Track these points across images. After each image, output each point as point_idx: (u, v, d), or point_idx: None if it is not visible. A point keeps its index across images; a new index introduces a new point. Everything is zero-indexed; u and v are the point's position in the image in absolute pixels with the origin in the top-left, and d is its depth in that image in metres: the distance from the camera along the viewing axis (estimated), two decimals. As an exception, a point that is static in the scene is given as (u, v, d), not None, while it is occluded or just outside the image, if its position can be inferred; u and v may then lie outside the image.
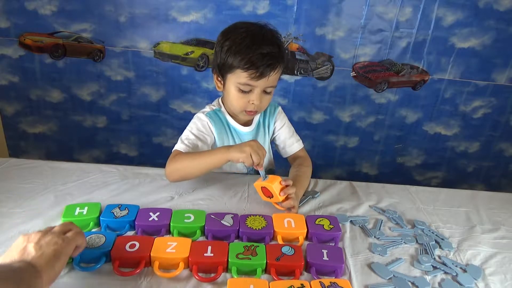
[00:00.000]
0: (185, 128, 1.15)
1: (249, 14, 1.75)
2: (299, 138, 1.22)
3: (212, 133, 1.11)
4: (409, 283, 0.78)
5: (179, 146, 1.06)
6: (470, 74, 1.91)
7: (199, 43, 1.82)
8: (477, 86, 1.94)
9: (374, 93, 1.96)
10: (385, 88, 1.95)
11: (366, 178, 2.17)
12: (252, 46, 0.95)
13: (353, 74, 1.90)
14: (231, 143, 1.13)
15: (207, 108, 1.15)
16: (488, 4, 1.75)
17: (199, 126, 1.11)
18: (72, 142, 2.04)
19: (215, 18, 1.76)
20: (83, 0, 1.72)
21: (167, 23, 1.77)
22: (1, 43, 1.79)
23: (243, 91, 1.01)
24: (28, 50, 1.81)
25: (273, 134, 1.21)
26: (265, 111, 1.18)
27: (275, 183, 0.93)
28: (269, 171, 1.25)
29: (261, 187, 0.96)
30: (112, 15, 1.75)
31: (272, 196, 0.95)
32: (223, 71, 1.02)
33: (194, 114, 1.17)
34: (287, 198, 0.95)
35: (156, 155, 2.07)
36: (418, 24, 1.80)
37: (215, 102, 1.17)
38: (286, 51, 1.77)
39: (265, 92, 1.02)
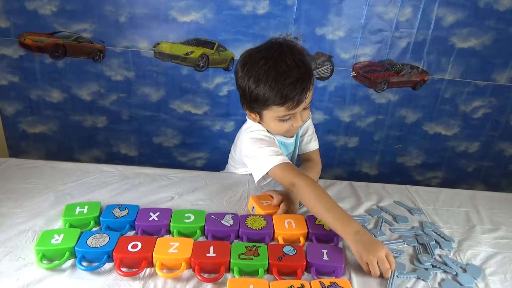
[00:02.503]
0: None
1: (249, 14, 1.75)
2: (317, 138, 1.20)
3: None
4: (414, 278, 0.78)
5: (278, 159, 0.95)
6: (470, 74, 1.91)
7: (199, 43, 1.81)
8: (477, 86, 1.94)
9: (374, 93, 1.96)
10: (385, 88, 1.95)
11: (366, 178, 2.17)
12: (280, 78, 0.89)
13: (353, 74, 1.90)
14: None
15: (258, 126, 1.05)
16: (488, 4, 1.75)
17: (271, 141, 1.03)
18: (72, 142, 2.04)
19: (215, 18, 1.76)
20: (83, 0, 1.72)
21: (167, 23, 1.77)
22: (1, 43, 1.79)
23: (283, 120, 0.97)
24: (28, 50, 1.80)
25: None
26: None
27: (261, 212, 0.94)
28: None
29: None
30: (112, 15, 1.75)
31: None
32: (256, 108, 0.97)
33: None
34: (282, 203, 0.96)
35: (156, 155, 2.07)
36: (418, 24, 1.80)
37: (255, 123, 1.06)
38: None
39: (304, 109, 0.98)
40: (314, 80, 0.97)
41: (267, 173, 0.96)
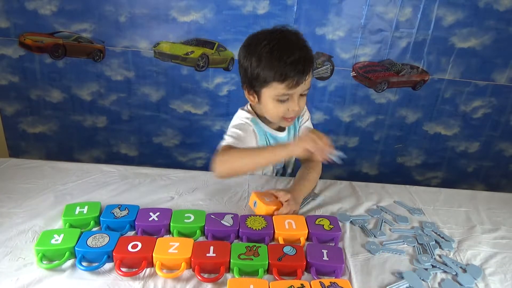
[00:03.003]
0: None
1: (249, 14, 1.75)
2: None
3: (256, 140, 1.10)
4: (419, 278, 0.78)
5: (228, 141, 1.02)
6: (470, 74, 1.91)
7: (199, 43, 1.82)
8: (477, 86, 1.94)
9: (374, 93, 1.96)
10: (385, 88, 1.95)
11: (366, 178, 2.17)
12: (283, 57, 0.93)
13: (353, 74, 1.90)
14: None
15: (246, 114, 1.11)
16: (488, 4, 1.75)
17: (246, 129, 1.08)
18: (72, 142, 2.04)
19: (215, 18, 1.76)
20: (83, 0, 1.72)
21: (167, 23, 1.77)
22: (1, 43, 1.79)
23: (281, 101, 0.99)
24: (28, 50, 1.80)
25: (298, 130, 1.21)
26: None
27: (262, 210, 0.93)
28: (293, 173, 1.25)
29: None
30: (112, 15, 1.75)
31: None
32: (256, 86, 1.00)
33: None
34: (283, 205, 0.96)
35: (156, 155, 2.07)
36: (418, 24, 1.80)
37: (246, 111, 1.13)
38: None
39: (301, 95, 1.01)
40: (313, 70, 1.03)
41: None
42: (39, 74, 1.86)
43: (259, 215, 0.91)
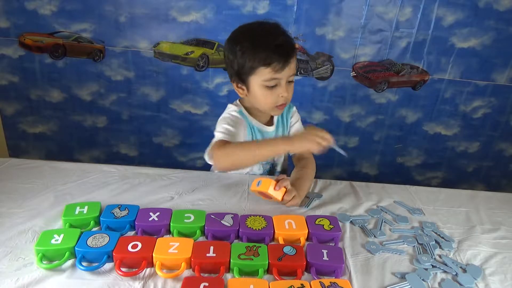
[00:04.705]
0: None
1: (249, 14, 1.75)
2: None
3: (245, 132, 1.11)
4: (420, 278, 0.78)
5: (221, 136, 1.03)
6: (470, 74, 1.91)
7: (199, 43, 1.81)
8: (477, 86, 1.94)
9: (374, 93, 1.96)
10: (385, 88, 1.95)
11: (366, 178, 2.17)
12: (266, 42, 0.96)
13: (353, 74, 1.90)
14: None
15: (233, 108, 1.13)
16: (488, 4, 1.75)
17: (236, 121, 1.09)
18: (72, 142, 2.04)
19: (215, 18, 1.76)
20: (83, 0, 1.72)
21: (167, 23, 1.77)
22: (1, 43, 1.79)
23: (269, 87, 1.01)
24: (28, 50, 1.80)
25: (289, 131, 1.22)
26: None
27: (269, 187, 0.95)
28: (283, 171, 1.26)
29: (258, 191, 0.98)
30: (112, 15, 1.75)
31: (271, 198, 0.97)
32: (243, 75, 1.02)
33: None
34: (286, 193, 0.97)
35: (156, 155, 2.07)
36: (418, 24, 1.80)
37: (234, 105, 1.15)
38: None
39: (288, 82, 1.03)
40: (296, 56, 1.03)
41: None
42: (39, 74, 1.86)
43: (259, 215, 0.91)
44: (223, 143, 1.00)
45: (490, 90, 1.95)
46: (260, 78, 0.99)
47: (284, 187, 0.97)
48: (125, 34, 1.79)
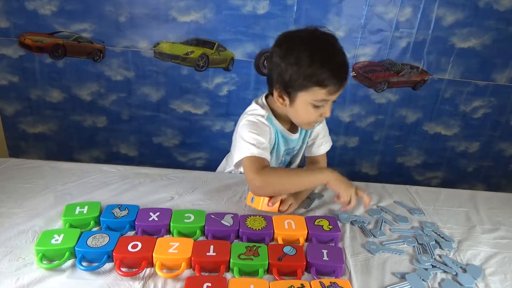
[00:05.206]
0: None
1: (249, 14, 1.75)
2: (329, 140, 1.19)
3: (270, 139, 1.04)
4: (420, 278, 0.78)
5: (255, 151, 0.95)
6: (470, 74, 1.91)
7: (199, 43, 1.81)
8: (477, 86, 1.94)
9: (374, 93, 1.96)
10: (385, 88, 1.95)
11: (366, 178, 2.17)
12: (325, 60, 0.89)
13: (353, 74, 1.90)
14: (282, 149, 1.09)
15: (261, 111, 1.03)
16: (488, 4, 1.75)
17: (264, 130, 1.00)
18: (72, 142, 2.04)
19: (215, 18, 1.76)
20: (83, 0, 1.72)
21: (167, 23, 1.77)
22: (1, 43, 1.79)
23: (316, 106, 0.94)
24: (28, 50, 1.80)
25: (309, 135, 1.16)
26: None
27: (260, 205, 0.96)
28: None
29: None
30: (112, 15, 1.75)
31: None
32: (291, 88, 0.93)
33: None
34: (281, 203, 0.97)
35: (156, 155, 2.07)
36: (418, 24, 1.80)
37: (260, 106, 1.05)
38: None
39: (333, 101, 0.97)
40: None
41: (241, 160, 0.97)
42: (39, 74, 1.86)
43: (259, 215, 0.91)
44: (261, 167, 0.93)
45: (490, 90, 1.95)
46: (310, 97, 0.92)
47: (280, 200, 0.97)
48: (125, 34, 1.79)
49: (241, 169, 1.01)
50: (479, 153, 2.13)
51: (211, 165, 1.37)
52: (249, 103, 1.10)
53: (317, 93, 0.91)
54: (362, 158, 2.14)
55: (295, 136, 1.09)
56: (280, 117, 1.05)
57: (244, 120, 1.02)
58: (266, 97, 1.06)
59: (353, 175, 2.14)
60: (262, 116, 1.01)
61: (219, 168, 1.30)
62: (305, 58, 0.88)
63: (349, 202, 0.92)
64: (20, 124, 1.98)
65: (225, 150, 1.32)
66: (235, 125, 2.04)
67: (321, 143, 1.16)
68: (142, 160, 2.08)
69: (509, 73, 1.91)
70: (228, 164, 1.25)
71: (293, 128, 1.08)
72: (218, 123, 1.98)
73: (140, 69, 1.86)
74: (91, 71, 1.86)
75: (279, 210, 0.98)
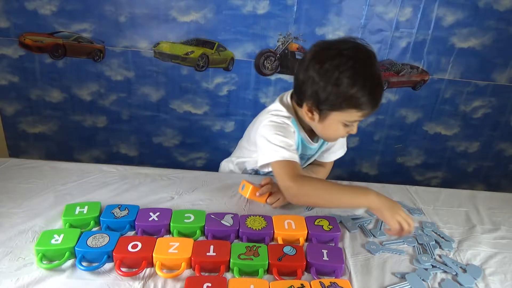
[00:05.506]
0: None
1: (249, 14, 1.75)
2: (344, 146, 1.17)
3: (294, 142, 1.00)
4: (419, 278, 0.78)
5: (286, 154, 0.92)
6: (470, 74, 1.91)
7: (199, 43, 1.81)
8: (477, 86, 1.94)
9: (374, 93, 1.96)
10: (385, 88, 1.95)
11: (366, 178, 2.17)
12: (366, 84, 0.85)
13: (353, 74, 1.90)
14: (298, 154, 1.03)
15: (285, 113, 0.99)
16: (488, 4, 1.75)
17: (290, 132, 0.98)
18: (72, 142, 2.04)
19: (215, 18, 1.76)
20: (83, 0, 1.72)
21: (167, 23, 1.77)
22: (1, 43, 1.79)
23: (346, 125, 0.93)
24: (28, 50, 1.80)
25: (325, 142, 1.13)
26: None
27: (248, 193, 0.99)
28: None
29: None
30: (112, 15, 1.75)
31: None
32: (324, 106, 0.90)
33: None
34: (269, 196, 1.00)
35: (156, 155, 2.07)
36: (418, 24, 1.80)
37: (285, 107, 1.00)
38: (286, 51, 1.74)
39: None
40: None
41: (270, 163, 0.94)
42: (39, 74, 1.86)
43: (259, 215, 0.91)
44: (297, 173, 0.90)
45: (490, 90, 1.95)
46: (344, 117, 0.90)
47: (269, 193, 0.98)
48: (125, 34, 1.79)
49: (267, 170, 1.01)
50: (479, 153, 2.13)
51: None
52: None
53: (352, 115, 0.89)
54: (362, 158, 2.14)
55: (315, 145, 1.08)
56: (302, 122, 1.01)
57: (267, 120, 0.98)
58: (292, 97, 1.02)
59: (353, 175, 2.14)
60: (287, 118, 0.98)
61: (222, 167, 1.30)
62: (346, 80, 0.85)
63: (401, 229, 0.84)
64: (20, 124, 1.98)
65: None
66: (235, 125, 2.05)
67: (337, 149, 1.15)
68: (142, 160, 2.08)
69: (509, 73, 1.91)
70: (246, 148, 1.17)
71: (312, 135, 1.05)
72: (218, 123, 1.98)
73: (140, 69, 1.86)
74: (91, 71, 1.86)
75: (266, 202, 1.00)
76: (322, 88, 0.87)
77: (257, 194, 0.98)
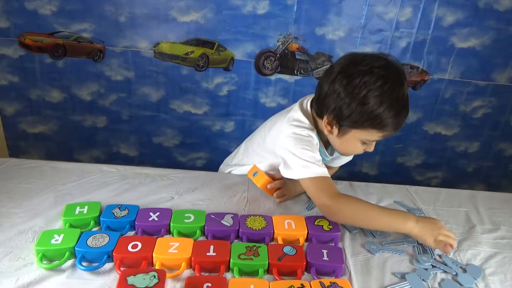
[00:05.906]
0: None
1: (249, 14, 1.75)
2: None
3: None
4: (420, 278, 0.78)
5: (318, 171, 0.91)
6: (470, 74, 1.91)
7: (199, 43, 1.81)
8: (477, 86, 1.94)
9: (374, 93, 1.96)
10: (385, 88, 1.95)
11: (366, 178, 2.16)
12: (392, 107, 0.83)
13: (353, 74, 1.90)
14: None
15: (306, 123, 0.96)
16: (488, 4, 1.75)
17: (314, 145, 0.95)
18: (72, 142, 2.04)
19: (215, 18, 1.76)
20: (83, 0, 1.72)
21: (167, 23, 1.77)
22: (1, 43, 1.79)
23: (364, 143, 0.92)
24: (28, 50, 1.80)
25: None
26: None
27: (260, 183, 1.01)
28: None
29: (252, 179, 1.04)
30: (112, 15, 1.75)
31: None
32: (346, 122, 0.88)
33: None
34: (277, 190, 1.02)
35: (156, 155, 2.07)
36: (418, 24, 1.80)
37: (305, 115, 0.97)
38: (286, 51, 1.73)
39: None
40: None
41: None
42: (39, 74, 1.86)
43: (259, 215, 0.91)
44: (333, 191, 0.89)
45: (490, 90, 1.95)
46: (364, 136, 0.89)
47: (278, 188, 1.00)
48: (125, 34, 1.79)
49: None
50: (479, 153, 2.13)
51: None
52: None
53: (373, 135, 0.89)
54: (362, 158, 2.13)
55: (329, 158, 1.08)
56: (320, 132, 0.99)
57: (290, 132, 0.94)
58: (311, 105, 0.99)
59: (353, 175, 2.14)
60: (311, 131, 0.95)
61: (222, 167, 1.30)
62: (373, 99, 0.82)
63: (447, 246, 0.83)
64: (20, 124, 1.98)
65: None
66: (235, 125, 2.05)
67: (341, 156, 1.15)
68: (142, 160, 2.08)
69: (509, 73, 1.91)
70: (258, 153, 1.14)
71: (327, 145, 1.04)
72: (218, 123, 1.98)
73: (140, 69, 1.86)
74: (91, 71, 1.86)
75: (272, 194, 1.02)
76: (346, 105, 0.85)
77: (269, 186, 1.00)
